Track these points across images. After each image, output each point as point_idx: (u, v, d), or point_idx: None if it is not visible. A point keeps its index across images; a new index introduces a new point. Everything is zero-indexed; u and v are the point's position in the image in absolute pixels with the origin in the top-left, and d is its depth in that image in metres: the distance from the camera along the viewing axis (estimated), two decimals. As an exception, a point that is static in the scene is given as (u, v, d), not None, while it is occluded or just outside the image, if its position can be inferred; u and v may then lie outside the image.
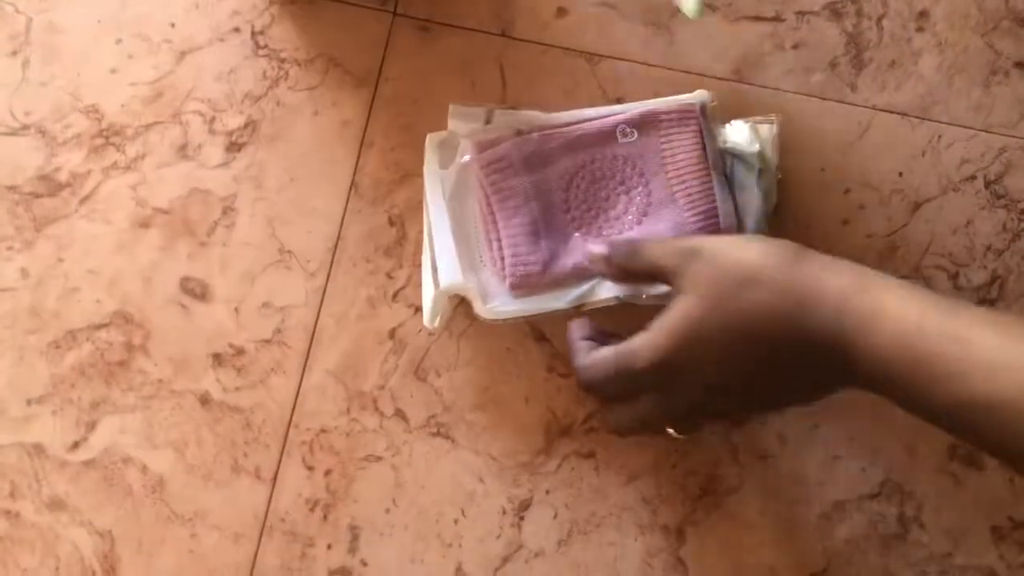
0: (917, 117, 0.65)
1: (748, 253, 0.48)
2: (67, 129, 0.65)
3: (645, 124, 0.60)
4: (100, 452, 0.62)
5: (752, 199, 0.59)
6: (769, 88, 0.65)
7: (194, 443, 0.62)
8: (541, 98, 0.64)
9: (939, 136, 0.64)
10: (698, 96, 0.61)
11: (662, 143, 0.60)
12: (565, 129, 0.60)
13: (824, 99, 0.65)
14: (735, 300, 0.46)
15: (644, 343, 0.49)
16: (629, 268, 0.54)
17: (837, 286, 0.45)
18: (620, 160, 0.60)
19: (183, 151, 0.65)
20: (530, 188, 0.59)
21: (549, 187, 0.59)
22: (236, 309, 0.63)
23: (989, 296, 0.63)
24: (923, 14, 0.65)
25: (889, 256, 0.63)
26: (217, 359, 0.62)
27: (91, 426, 0.62)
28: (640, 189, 0.60)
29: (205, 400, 0.62)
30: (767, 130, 0.60)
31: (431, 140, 0.60)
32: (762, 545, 0.61)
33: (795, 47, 0.65)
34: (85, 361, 0.63)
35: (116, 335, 0.63)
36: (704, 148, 0.60)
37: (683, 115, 0.60)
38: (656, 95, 0.63)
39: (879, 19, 0.65)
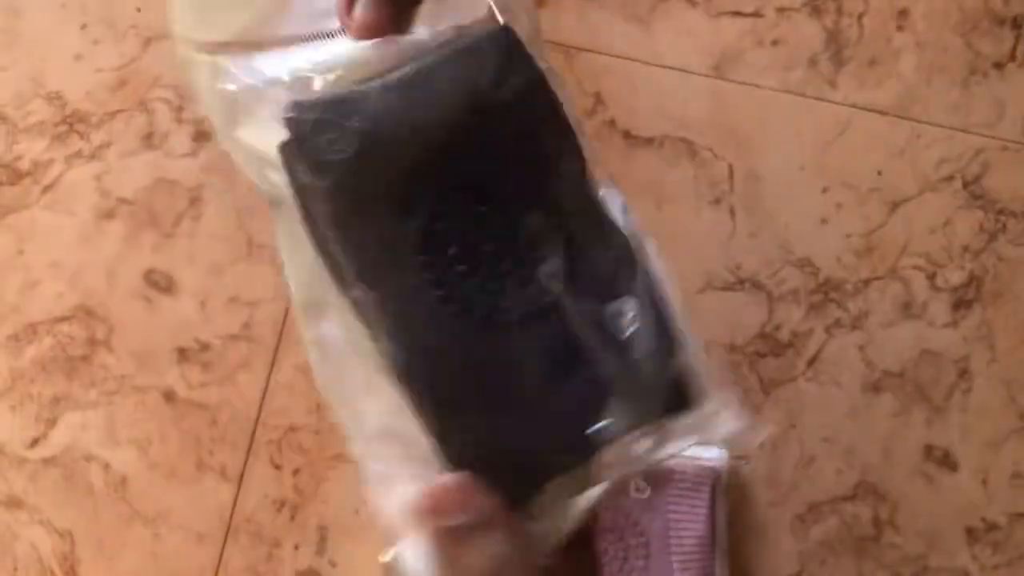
0: (896, 116, 0.64)
1: None
2: (29, 116, 0.63)
3: (658, 481, 0.53)
4: (60, 449, 0.60)
5: None
6: (748, 84, 0.64)
7: (158, 441, 0.60)
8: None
9: (918, 135, 0.64)
10: (716, 458, 0.52)
11: (669, 511, 0.54)
12: None
13: (803, 96, 0.64)
14: None
15: None
16: None
17: None
18: (624, 518, 0.53)
19: (149, 140, 0.63)
20: None
21: None
22: (202, 303, 0.61)
23: (966, 297, 0.62)
24: (903, 12, 0.65)
25: (866, 256, 0.63)
26: (182, 354, 0.61)
27: (51, 422, 0.60)
28: (641, 563, 0.54)
29: (169, 396, 0.60)
30: None
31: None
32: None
33: (775, 43, 0.65)
34: (46, 355, 0.61)
35: (78, 329, 0.61)
36: (713, 525, 0.55)
37: (697, 482, 0.54)
38: (634, 90, 0.62)
39: (859, 16, 0.65)
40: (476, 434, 0.28)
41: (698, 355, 0.30)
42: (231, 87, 0.30)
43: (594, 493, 0.29)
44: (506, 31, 0.31)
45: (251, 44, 0.31)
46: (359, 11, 0.30)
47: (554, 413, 0.29)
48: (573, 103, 0.32)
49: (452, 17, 0.31)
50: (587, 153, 0.31)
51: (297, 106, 0.29)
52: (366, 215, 0.29)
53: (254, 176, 0.30)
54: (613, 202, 0.31)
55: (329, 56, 0.30)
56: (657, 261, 0.31)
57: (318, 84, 0.29)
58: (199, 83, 0.31)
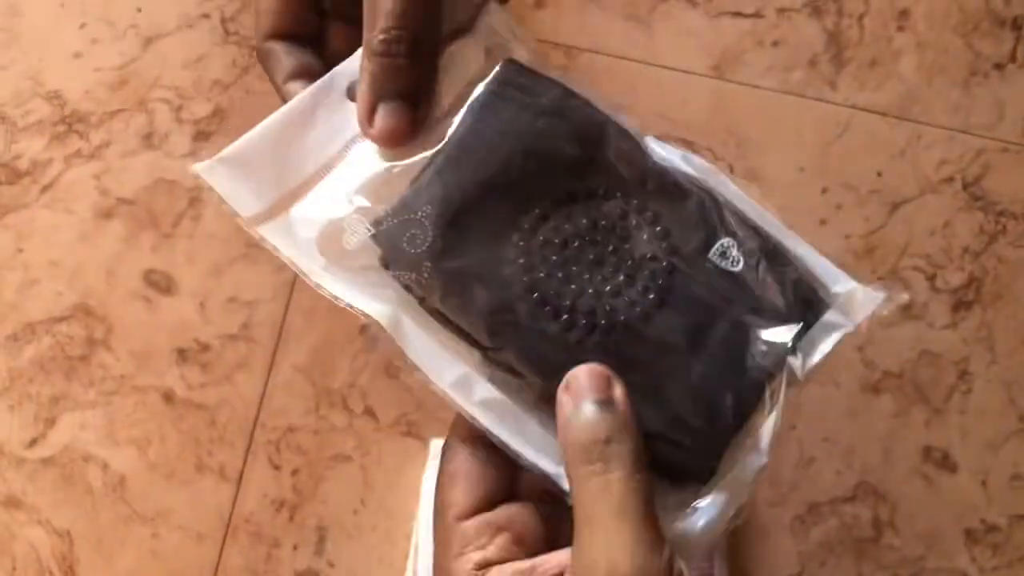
0: (896, 117, 0.64)
1: None
2: (28, 115, 0.63)
3: None
4: (59, 449, 0.60)
5: None
6: (748, 85, 0.64)
7: (157, 441, 0.60)
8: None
9: (918, 136, 0.64)
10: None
11: None
12: None
13: (803, 97, 0.64)
14: None
15: None
16: None
17: None
18: None
19: (149, 140, 0.63)
20: None
21: None
22: (201, 303, 0.61)
23: (966, 298, 0.62)
24: (904, 13, 0.65)
25: (866, 257, 0.63)
26: (181, 355, 0.61)
27: (50, 422, 0.60)
28: None
29: (169, 396, 0.60)
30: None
31: None
32: (736, 548, 0.60)
33: (775, 44, 0.65)
34: (44, 355, 0.61)
35: (77, 328, 0.61)
36: None
37: None
38: (634, 91, 0.62)
39: (860, 17, 0.65)
40: (648, 426, 0.30)
41: (810, 257, 0.31)
42: (307, 235, 0.31)
43: (767, 438, 0.30)
44: (507, 67, 0.32)
45: (302, 187, 0.32)
46: (380, 121, 0.31)
47: (710, 374, 0.30)
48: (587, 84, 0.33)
49: (456, 74, 0.33)
50: (634, 128, 0.33)
51: (375, 223, 0.31)
52: (469, 285, 0.30)
53: (363, 305, 0.30)
54: (673, 156, 0.32)
55: (371, 164, 0.32)
56: (737, 189, 0.32)
57: (380, 194, 0.31)
58: (280, 249, 0.31)
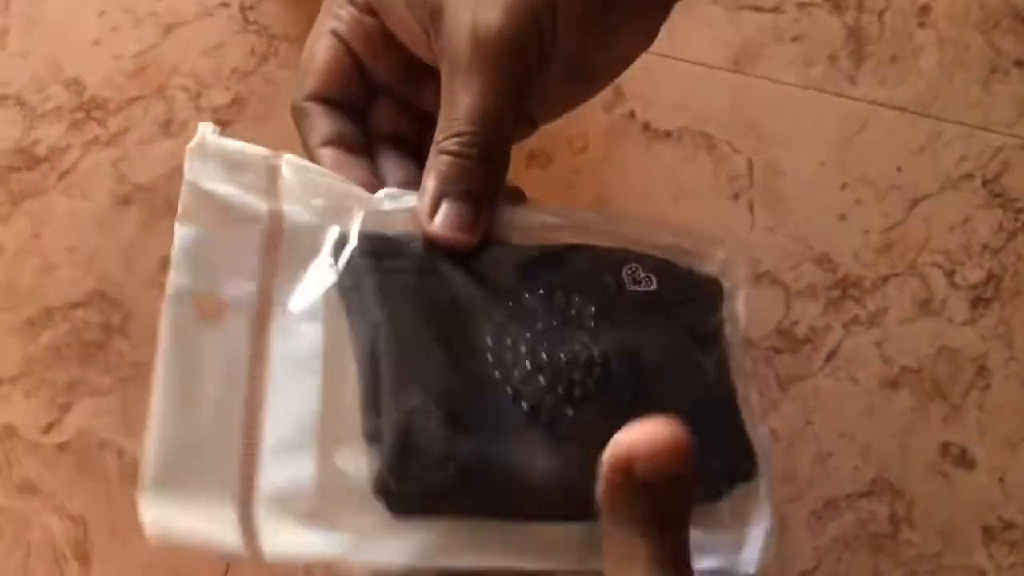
0: (916, 113, 0.64)
1: None
2: (47, 101, 0.63)
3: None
4: (74, 435, 0.60)
5: None
6: (768, 80, 0.64)
7: (173, 428, 0.60)
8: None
9: (938, 133, 0.64)
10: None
11: None
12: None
13: (823, 92, 0.64)
14: None
15: None
16: None
17: None
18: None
19: (167, 127, 0.63)
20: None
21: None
22: (219, 291, 0.61)
23: (985, 295, 0.62)
24: (925, 9, 0.65)
25: (885, 253, 0.62)
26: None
27: (66, 408, 0.60)
28: None
29: (185, 384, 0.60)
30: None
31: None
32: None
33: (795, 39, 0.65)
34: (61, 341, 0.60)
35: (93, 314, 0.61)
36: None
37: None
38: (654, 83, 0.62)
39: (880, 13, 0.65)
40: None
41: (676, 237, 0.33)
42: (297, 518, 0.26)
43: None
44: (359, 246, 0.30)
45: (245, 466, 0.26)
46: (442, 217, 0.30)
47: (703, 382, 0.31)
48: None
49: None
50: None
51: (371, 438, 0.27)
52: (500, 439, 0.28)
53: (436, 556, 0.26)
54: (531, 224, 0.32)
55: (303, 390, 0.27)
56: (587, 215, 0.33)
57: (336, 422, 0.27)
58: (300, 556, 0.26)
